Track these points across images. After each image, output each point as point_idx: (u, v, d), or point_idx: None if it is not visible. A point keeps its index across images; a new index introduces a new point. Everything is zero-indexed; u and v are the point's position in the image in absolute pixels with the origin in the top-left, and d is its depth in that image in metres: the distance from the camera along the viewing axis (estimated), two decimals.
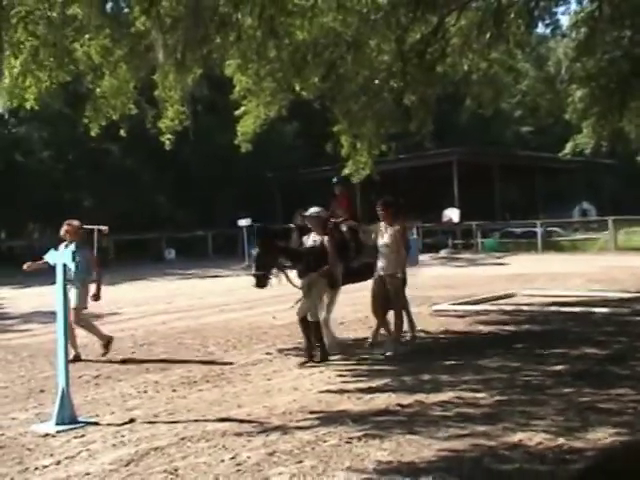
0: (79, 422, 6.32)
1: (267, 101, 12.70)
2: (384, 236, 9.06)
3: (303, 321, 8.81)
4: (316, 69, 11.84)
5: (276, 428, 5.93)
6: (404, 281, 9.26)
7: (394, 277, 9.07)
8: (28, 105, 10.33)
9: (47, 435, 6.05)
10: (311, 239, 8.89)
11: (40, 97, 10.26)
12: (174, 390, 7.57)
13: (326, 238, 8.77)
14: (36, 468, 5.23)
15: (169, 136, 11.94)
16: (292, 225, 9.50)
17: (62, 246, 9.00)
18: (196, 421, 6.28)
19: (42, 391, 7.75)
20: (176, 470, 5.03)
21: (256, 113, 12.93)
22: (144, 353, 9.98)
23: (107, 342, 9.62)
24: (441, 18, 11.33)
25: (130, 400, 7.22)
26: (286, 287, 9.03)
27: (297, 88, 12.29)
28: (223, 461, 5.18)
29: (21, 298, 18.76)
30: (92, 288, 9.71)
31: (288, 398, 7.00)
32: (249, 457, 5.23)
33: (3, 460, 5.45)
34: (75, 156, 34.07)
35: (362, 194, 34.97)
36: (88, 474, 5.03)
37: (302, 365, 8.51)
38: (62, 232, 9.63)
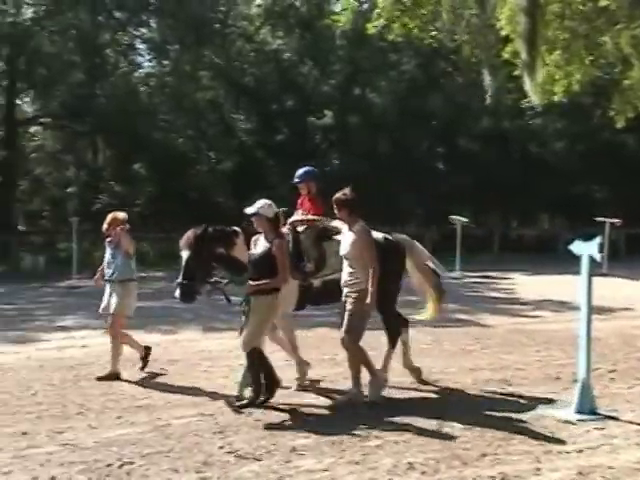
0: (599, 414, 6.37)
1: None
2: (345, 243, 6.87)
3: (251, 355, 6.66)
4: None
5: None
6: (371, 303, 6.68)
7: (357, 297, 6.69)
8: (556, 98, 10.71)
9: (567, 422, 6.22)
10: (260, 245, 6.78)
11: (568, 90, 10.53)
12: None
13: (276, 242, 6.62)
14: (559, 452, 5.43)
15: None
16: (236, 228, 7.27)
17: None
18: None
19: (557, 378, 7.97)
20: None
21: None
22: None
23: (146, 354, 8.51)
24: None
25: None
26: None
27: None
28: None
29: (530, 285, 19.39)
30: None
31: None
32: None
33: (526, 439, 5.78)
34: (588, 147, 33.89)
35: None
36: (612, 468, 5.05)
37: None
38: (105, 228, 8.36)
